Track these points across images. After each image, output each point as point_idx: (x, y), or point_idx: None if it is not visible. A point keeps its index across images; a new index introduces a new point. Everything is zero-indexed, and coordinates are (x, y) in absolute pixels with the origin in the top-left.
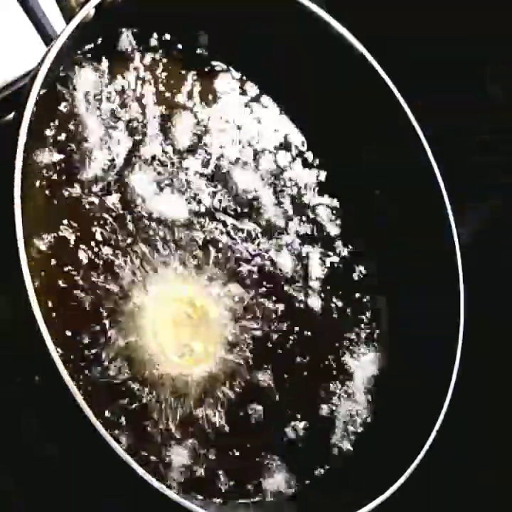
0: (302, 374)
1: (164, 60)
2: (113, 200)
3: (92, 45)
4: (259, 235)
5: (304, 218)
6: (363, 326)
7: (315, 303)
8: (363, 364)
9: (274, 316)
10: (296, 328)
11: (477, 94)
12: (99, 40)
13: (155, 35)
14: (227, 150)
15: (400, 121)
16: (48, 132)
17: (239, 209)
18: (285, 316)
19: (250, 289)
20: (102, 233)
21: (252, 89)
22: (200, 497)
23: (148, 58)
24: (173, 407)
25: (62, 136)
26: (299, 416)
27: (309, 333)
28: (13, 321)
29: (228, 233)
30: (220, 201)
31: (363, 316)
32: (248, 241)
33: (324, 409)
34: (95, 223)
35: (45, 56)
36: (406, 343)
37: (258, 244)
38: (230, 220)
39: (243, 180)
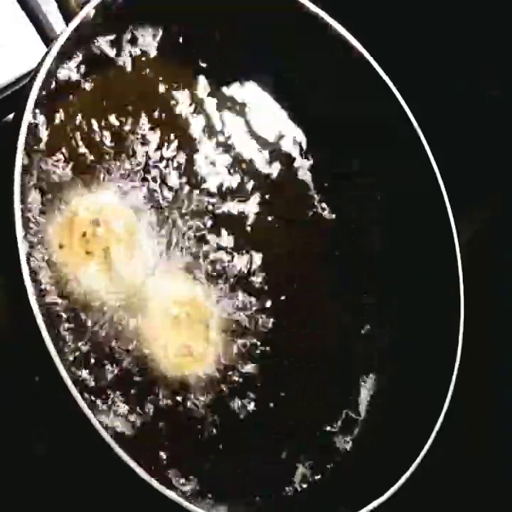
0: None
1: (163, 60)
2: None
3: (92, 46)
4: None
5: None
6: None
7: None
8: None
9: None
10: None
11: (477, 95)
12: (100, 40)
13: (155, 35)
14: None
15: (399, 122)
16: None
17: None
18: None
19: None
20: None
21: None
22: (200, 498)
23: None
24: (172, 407)
25: None
26: (298, 417)
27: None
28: (13, 321)
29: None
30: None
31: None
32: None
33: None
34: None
35: (45, 56)
36: (406, 343)
37: None
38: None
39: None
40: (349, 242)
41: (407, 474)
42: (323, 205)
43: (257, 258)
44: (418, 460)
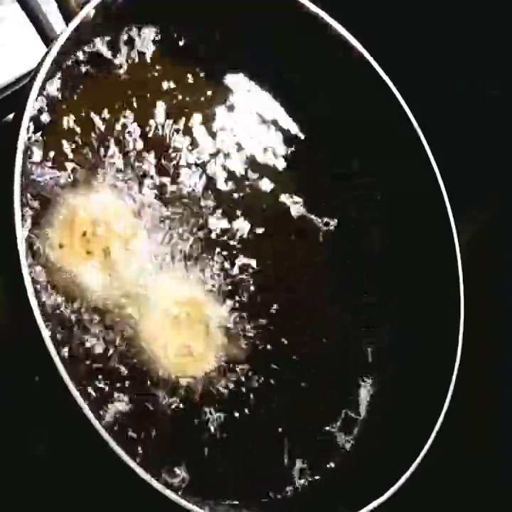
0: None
1: (163, 60)
2: None
3: (92, 46)
4: None
5: None
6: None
7: None
8: None
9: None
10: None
11: (477, 95)
12: (100, 40)
13: (155, 35)
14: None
15: (399, 122)
16: None
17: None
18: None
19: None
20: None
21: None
22: (200, 498)
23: (149, 58)
24: (173, 407)
25: None
26: (298, 417)
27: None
28: (13, 321)
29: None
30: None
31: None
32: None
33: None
34: None
35: (45, 56)
36: (406, 343)
37: None
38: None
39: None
40: (349, 242)
41: (407, 474)
42: (325, 220)
43: (259, 259)
44: (418, 460)
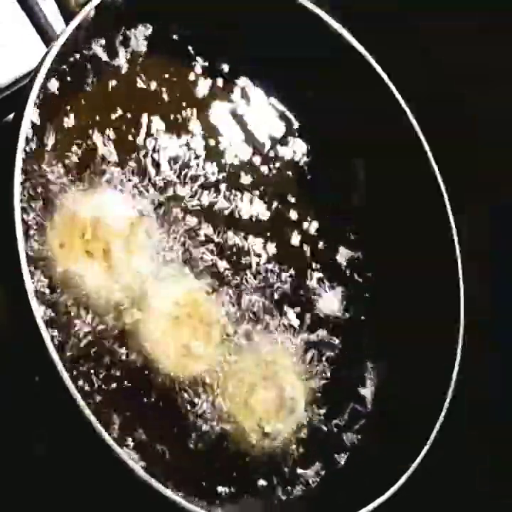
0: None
1: (164, 59)
2: None
3: (92, 46)
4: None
5: None
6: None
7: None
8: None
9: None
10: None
11: (476, 92)
12: (100, 40)
13: (155, 34)
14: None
15: (400, 123)
16: None
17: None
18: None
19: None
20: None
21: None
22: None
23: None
24: (174, 407)
25: None
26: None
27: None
28: (13, 321)
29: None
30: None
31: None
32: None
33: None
34: None
35: (45, 56)
36: (405, 343)
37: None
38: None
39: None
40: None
41: (407, 474)
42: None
43: (259, 258)
44: (418, 460)
